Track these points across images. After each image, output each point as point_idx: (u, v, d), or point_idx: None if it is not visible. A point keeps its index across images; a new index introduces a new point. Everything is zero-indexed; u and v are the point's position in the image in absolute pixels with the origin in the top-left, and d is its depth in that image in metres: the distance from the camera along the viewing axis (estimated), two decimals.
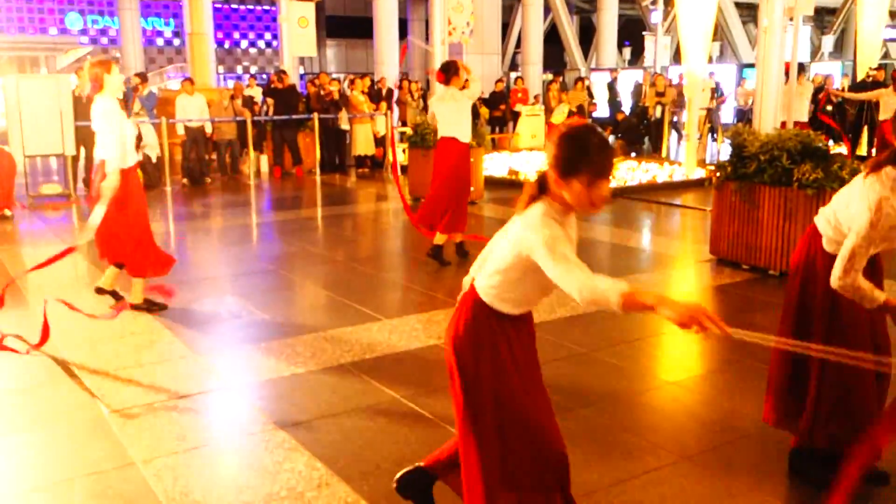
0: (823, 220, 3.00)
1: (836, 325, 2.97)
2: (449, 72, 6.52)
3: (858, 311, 2.90)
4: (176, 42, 30.29)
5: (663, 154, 15.64)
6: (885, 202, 2.66)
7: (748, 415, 3.69)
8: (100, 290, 5.53)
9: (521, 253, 2.19)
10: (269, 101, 13.91)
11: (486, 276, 2.34)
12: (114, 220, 5.21)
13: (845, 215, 2.84)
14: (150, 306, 5.49)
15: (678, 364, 4.61)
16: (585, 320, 5.21)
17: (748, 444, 3.45)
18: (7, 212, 9.41)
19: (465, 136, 6.64)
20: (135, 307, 5.47)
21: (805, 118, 10.31)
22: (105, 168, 5.15)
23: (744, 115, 16.85)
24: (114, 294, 5.54)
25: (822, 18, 34.06)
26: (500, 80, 18.92)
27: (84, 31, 28.75)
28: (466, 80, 6.68)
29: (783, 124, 8.14)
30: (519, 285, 2.29)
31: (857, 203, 2.75)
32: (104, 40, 29.15)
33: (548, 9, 25.43)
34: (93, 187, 5.38)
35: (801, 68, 10.99)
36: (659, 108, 16.43)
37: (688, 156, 12.17)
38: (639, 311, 1.96)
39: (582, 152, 2.12)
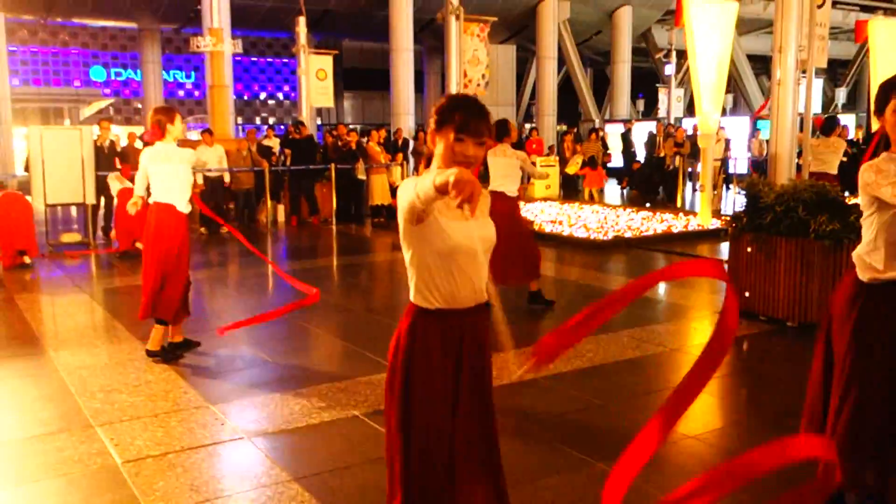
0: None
1: (854, 355, 2.91)
2: (501, 130, 6.88)
3: (876, 339, 2.87)
4: (196, 94, 30.89)
5: (678, 204, 15.66)
6: (868, 167, 2.84)
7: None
8: (152, 353, 5.52)
9: (401, 218, 2.32)
10: (287, 152, 14.10)
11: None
12: (164, 265, 5.38)
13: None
14: (165, 355, 5.50)
15: (697, 417, 4.54)
16: (603, 371, 5.17)
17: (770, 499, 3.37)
18: (27, 259, 9.51)
19: (512, 191, 7.02)
20: (151, 354, 5.48)
21: (834, 171, 10.28)
22: (160, 209, 5.39)
23: (759, 167, 16.88)
24: (184, 345, 5.62)
25: (834, 71, 34.32)
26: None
27: (107, 83, 29.39)
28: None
29: (798, 175, 8.15)
30: (422, 260, 2.35)
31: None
32: (127, 92, 29.78)
33: (562, 61, 25.79)
34: (146, 229, 5.53)
35: (836, 122, 10.91)
36: (678, 159, 16.52)
37: (702, 206, 12.17)
38: (446, 186, 1.98)
39: (451, 107, 2.33)
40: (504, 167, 6.99)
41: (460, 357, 2.40)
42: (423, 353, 2.36)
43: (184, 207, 5.47)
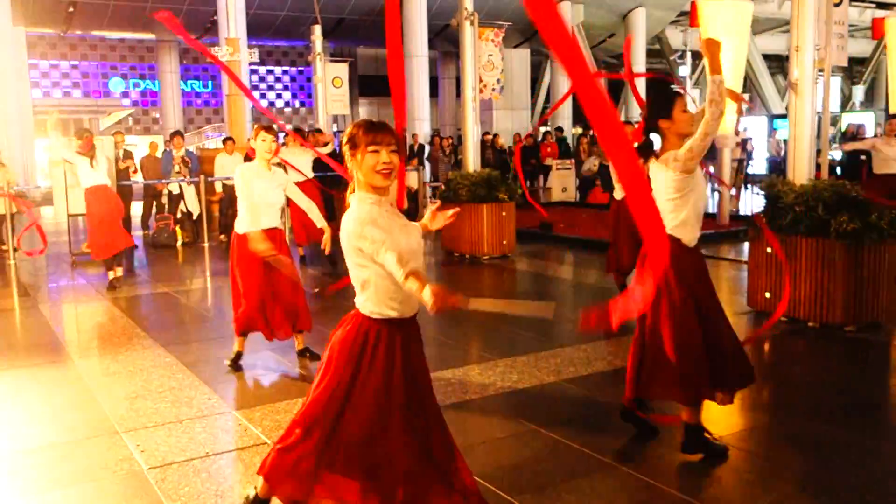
0: None
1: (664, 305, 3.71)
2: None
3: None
4: (213, 103, 31.15)
5: None
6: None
7: (794, 469, 3.60)
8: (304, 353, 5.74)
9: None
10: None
11: None
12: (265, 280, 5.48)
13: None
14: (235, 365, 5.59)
15: (720, 419, 4.53)
16: (624, 374, 5.15)
17: (793, 501, 3.36)
18: (113, 274, 8.72)
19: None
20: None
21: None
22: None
23: (777, 166, 16.78)
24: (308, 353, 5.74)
25: (851, 69, 34.03)
26: (529, 136, 19.15)
27: (126, 94, 29.70)
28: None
29: (818, 174, 8.08)
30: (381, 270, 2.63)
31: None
32: (145, 102, 30.08)
33: None
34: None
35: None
36: None
37: (721, 207, 12.12)
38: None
39: (357, 131, 2.61)
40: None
41: (407, 363, 2.67)
42: (372, 359, 2.64)
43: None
